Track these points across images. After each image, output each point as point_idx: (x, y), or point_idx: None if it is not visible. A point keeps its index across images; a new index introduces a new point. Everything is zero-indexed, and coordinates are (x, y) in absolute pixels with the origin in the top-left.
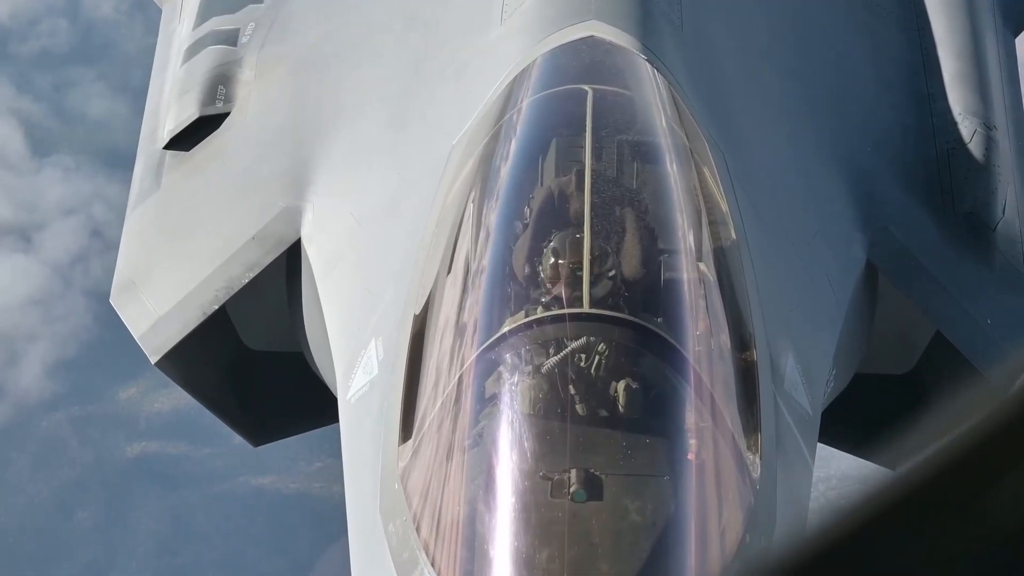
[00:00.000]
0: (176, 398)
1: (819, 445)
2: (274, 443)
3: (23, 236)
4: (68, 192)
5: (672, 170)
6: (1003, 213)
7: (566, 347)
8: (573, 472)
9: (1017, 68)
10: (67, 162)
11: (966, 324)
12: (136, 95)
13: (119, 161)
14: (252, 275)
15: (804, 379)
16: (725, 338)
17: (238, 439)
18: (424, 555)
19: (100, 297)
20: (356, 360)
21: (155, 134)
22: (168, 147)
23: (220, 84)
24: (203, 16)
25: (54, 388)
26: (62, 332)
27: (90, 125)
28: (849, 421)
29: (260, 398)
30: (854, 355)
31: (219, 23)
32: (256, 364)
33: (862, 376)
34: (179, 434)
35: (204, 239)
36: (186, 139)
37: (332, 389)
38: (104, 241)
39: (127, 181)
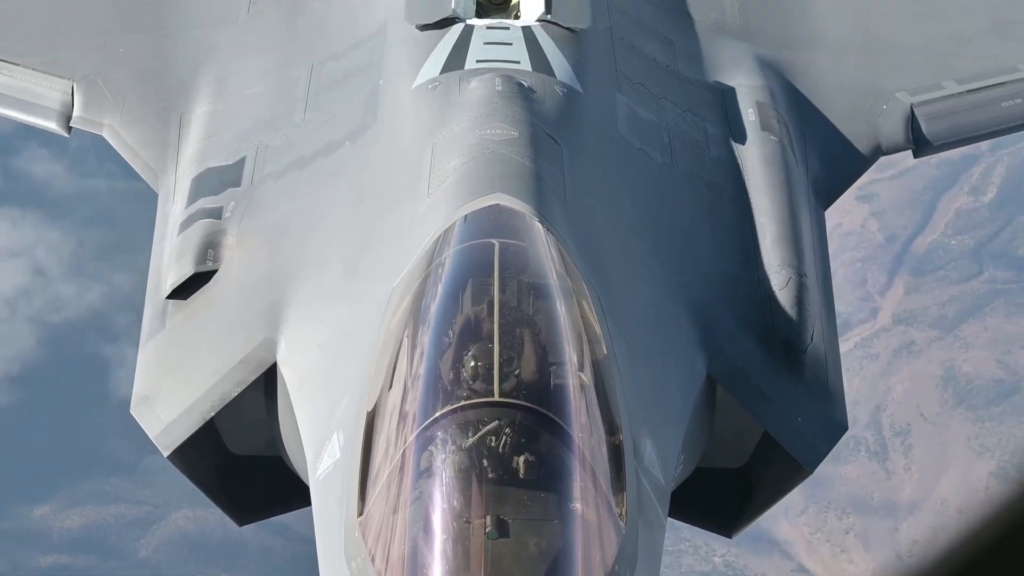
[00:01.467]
0: (86, 516)
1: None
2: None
3: None
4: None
5: (559, 302)
6: (811, 339)
7: (482, 427)
8: (488, 518)
9: (825, 232)
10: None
11: (785, 425)
12: (74, 158)
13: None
14: (240, 390)
15: (659, 460)
16: (599, 424)
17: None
18: None
19: (41, 323)
20: (322, 449)
21: (159, 287)
22: (170, 297)
23: (210, 248)
24: (193, 197)
25: None
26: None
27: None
28: (696, 502)
29: (243, 488)
30: (698, 446)
31: (206, 202)
32: (237, 463)
33: (705, 470)
34: (88, 549)
35: (201, 365)
36: (184, 290)
37: (303, 478)
38: (45, 278)
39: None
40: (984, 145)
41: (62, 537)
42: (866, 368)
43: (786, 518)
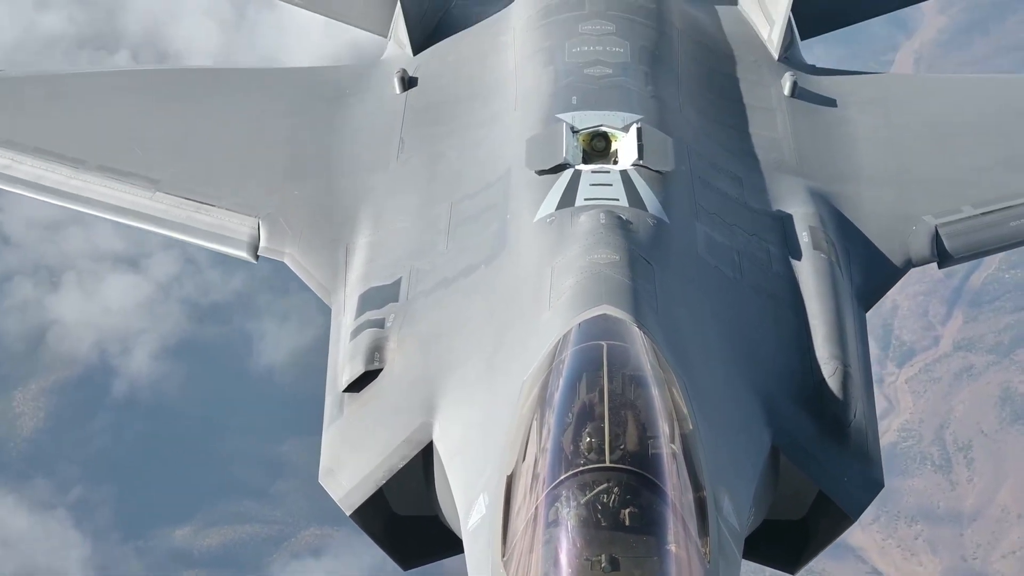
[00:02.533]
0: (223, 535)
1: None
2: None
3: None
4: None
5: (654, 389)
6: (855, 416)
7: (596, 487)
8: (603, 556)
9: (866, 329)
10: None
11: (834, 483)
12: None
13: None
14: (404, 463)
15: (735, 511)
16: (687, 483)
17: None
18: None
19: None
20: (472, 507)
21: (336, 382)
22: (346, 391)
23: (376, 351)
24: (360, 311)
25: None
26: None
27: None
28: (766, 547)
29: (407, 540)
30: (765, 502)
31: (371, 315)
32: (402, 521)
33: (772, 521)
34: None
35: (373, 444)
36: (356, 385)
37: (455, 530)
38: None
39: None
40: None
41: (202, 554)
42: (930, 390)
43: (860, 526)
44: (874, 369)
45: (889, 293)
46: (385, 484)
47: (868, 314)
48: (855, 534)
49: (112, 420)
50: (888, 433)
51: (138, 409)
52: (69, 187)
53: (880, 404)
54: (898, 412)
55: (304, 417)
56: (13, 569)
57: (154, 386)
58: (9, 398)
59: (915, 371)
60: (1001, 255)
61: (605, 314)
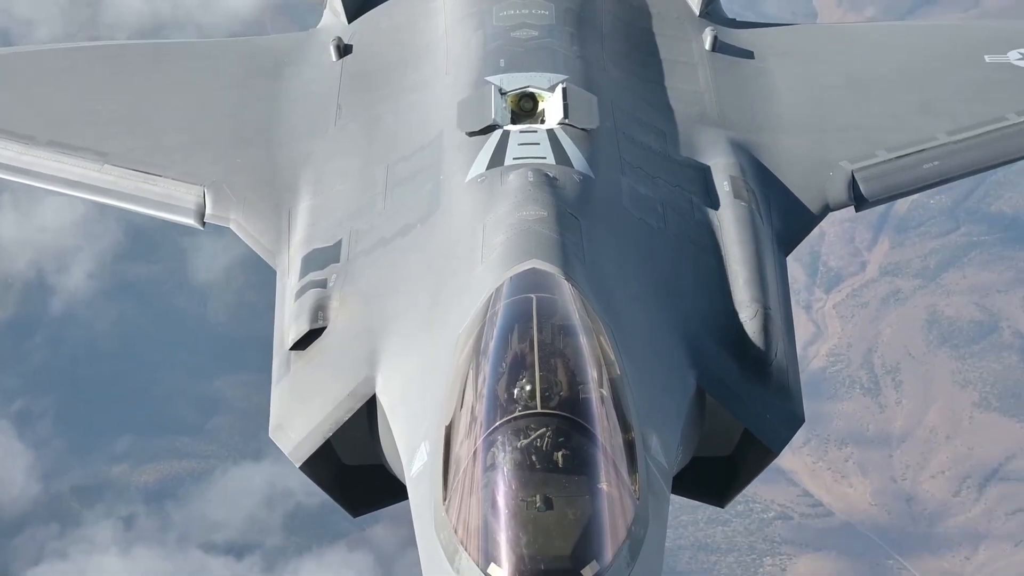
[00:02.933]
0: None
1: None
2: None
3: None
4: None
5: (582, 337)
6: (775, 355)
7: (530, 432)
8: (537, 496)
9: (786, 273)
10: None
11: (757, 420)
12: None
13: None
14: (349, 415)
15: (663, 450)
16: (616, 425)
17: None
18: (461, 546)
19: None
20: (414, 455)
21: (283, 342)
22: (292, 349)
23: (319, 310)
24: (303, 272)
25: None
26: None
27: None
28: (695, 482)
29: (354, 488)
30: (692, 440)
31: (314, 275)
32: (349, 471)
33: (700, 458)
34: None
35: (319, 399)
36: (302, 344)
37: (400, 478)
38: None
39: None
40: None
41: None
42: (858, 315)
43: (790, 450)
44: (802, 295)
45: None
46: (332, 436)
47: None
48: (786, 458)
49: (50, 336)
50: (817, 358)
51: (76, 326)
52: (21, 163)
53: (808, 330)
54: (826, 337)
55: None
56: None
57: (90, 303)
58: None
59: (842, 296)
60: None
61: (534, 268)
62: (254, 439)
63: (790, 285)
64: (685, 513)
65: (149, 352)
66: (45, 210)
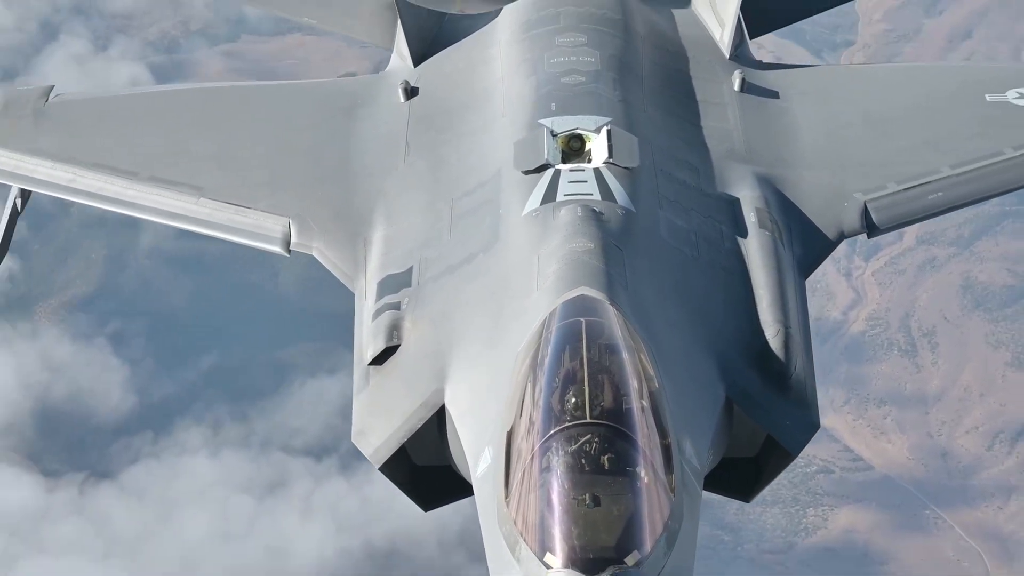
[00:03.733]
0: None
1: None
2: None
3: None
4: None
5: (625, 355)
6: (795, 370)
7: (580, 439)
8: (586, 495)
9: (805, 296)
10: None
11: (778, 427)
12: None
13: None
14: (421, 423)
15: (695, 454)
16: (655, 432)
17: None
18: (521, 538)
19: None
20: (479, 458)
21: (362, 358)
22: (370, 364)
23: (394, 329)
24: (379, 296)
25: None
26: None
27: None
28: (725, 480)
29: (425, 486)
30: (722, 444)
31: (389, 299)
32: (421, 471)
33: (729, 459)
34: None
35: (395, 409)
36: (379, 360)
37: (466, 477)
38: None
39: None
40: None
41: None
42: (895, 282)
43: (832, 408)
44: (842, 263)
45: None
46: (406, 441)
47: None
48: (828, 417)
49: (140, 269)
50: (857, 322)
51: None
52: (126, 196)
53: (849, 295)
54: (866, 303)
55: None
56: (64, 390)
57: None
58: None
59: (881, 264)
60: None
61: (583, 294)
62: (328, 357)
63: (832, 256)
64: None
65: (220, 317)
66: None
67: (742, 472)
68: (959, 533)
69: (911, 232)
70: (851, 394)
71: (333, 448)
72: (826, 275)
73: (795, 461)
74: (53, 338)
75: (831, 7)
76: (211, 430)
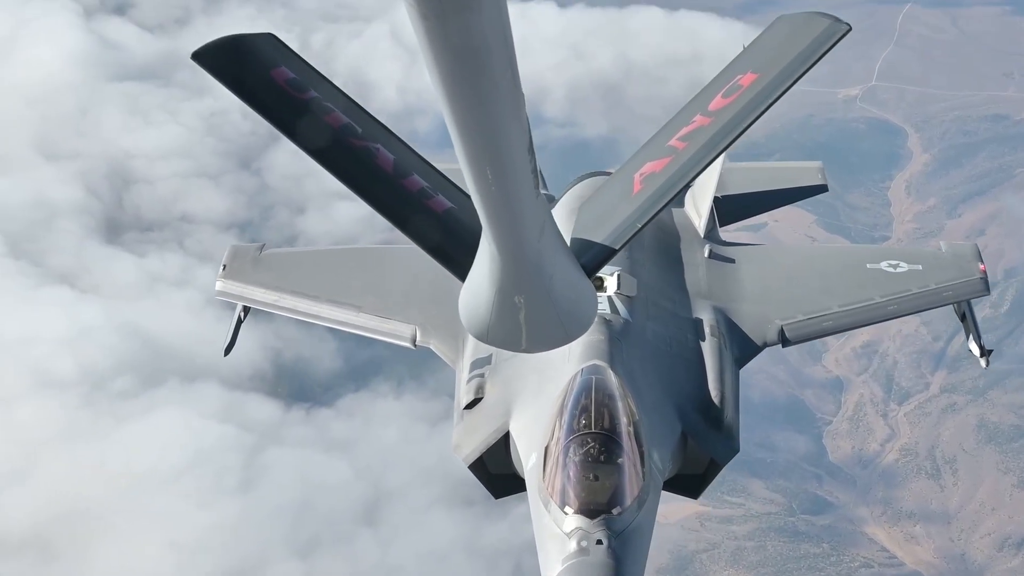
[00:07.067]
0: None
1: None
2: None
3: None
4: None
5: (618, 400)
6: (727, 417)
7: (588, 442)
8: (591, 475)
9: (738, 379)
10: None
11: (715, 449)
12: None
13: None
14: (495, 440)
15: (660, 461)
16: (635, 443)
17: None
18: (551, 499)
19: None
20: (529, 460)
21: (459, 405)
22: (464, 409)
23: (479, 389)
24: (471, 371)
25: None
26: None
27: None
28: (678, 484)
29: (498, 482)
30: (677, 461)
31: (476, 371)
32: (494, 476)
33: (682, 475)
34: None
35: (479, 433)
36: (470, 406)
37: (521, 474)
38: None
39: None
40: (1000, 274)
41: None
42: (923, 421)
43: (872, 519)
44: (879, 408)
45: (889, 352)
46: (484, 453)
47: (875, 367)
48: (870, 527)
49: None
50: (891, 453)
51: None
52: (311, 311)
53: (884, 432)
54: (899, 437)
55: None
56: (293, 354)
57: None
58: None
59: (911, 407)
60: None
61: (595, 364)
62: None
63: (872, 401)
64: (793, 563)
65: None
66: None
67: (691, 482)
68: None
69: (936, 383)
70: (887, 508)
71: None
72: (867, 416)
73: (843, 558)
74: (284, 322)
75: (794, 201)
76: (396, 382)
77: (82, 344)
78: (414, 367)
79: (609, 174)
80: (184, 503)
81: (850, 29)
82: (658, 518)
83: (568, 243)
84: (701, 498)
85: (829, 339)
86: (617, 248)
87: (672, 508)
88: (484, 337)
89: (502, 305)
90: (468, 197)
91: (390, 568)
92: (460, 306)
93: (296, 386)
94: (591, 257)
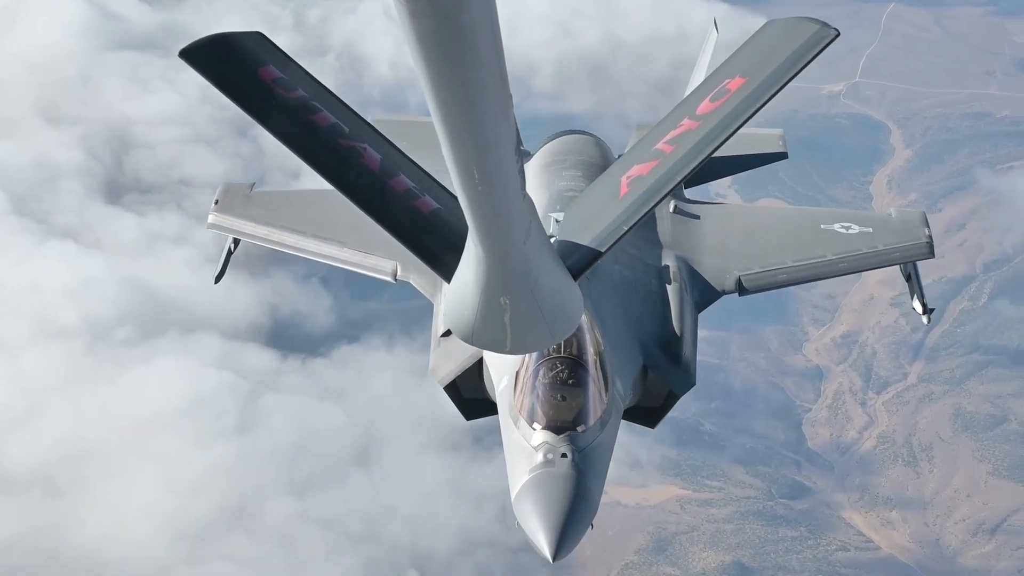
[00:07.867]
0: None
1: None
2: None
3: None
4: None
5: (586, 331)
6: (685, 352)
7: (558, 366)
8: (559, 395)
9: (696, 319)
10: None
11: (673, 381)
12: None
13: None
14: (469, 365)
15: (622, 388)
16: (600, 369)
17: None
18: (520, 416)
19: None
20: (500, 382)
21: (437, 332)
22: (442, 336)
23: None
24: None
25: None
26: None
27: None
28: (637, 413)
29: (470, 404)
30: (638, 391)
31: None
32: (464, 399)
33: (640, 406)
34: None
35: (454, 358)
36: (447, 334)
37: (493, 398)
38: None
39: None
40: (979, 267)
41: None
42: (901, 410)
43: (849, 504)
44: (858, 396)
45: (869, 342)
46: (458, 377)
47: (854, 356)
48: (847, 512)
49: None
50: (870, 440)
51: None
52: (298, 245)
53: (862, 420)
54: (877, 425)
55: None
56: (289, 310)
57: None
58: None
59: (889, 396)
60: (953, 316)
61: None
62: None
63: (851, 390)
64: (771, 545)
65: None
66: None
67: (650, 414)
68: None
69: (914, 373)
70: (864, 494)
71: None
72: (846, 404)
73: (820, 541)
74: (281, 279)
75: (754, 167)
76: (387, 337)
77: (85, 295)
78: (405, 324)
79: (583, 133)
80: (184, 444)
81: (838, 35)
82: (639, 500)
83: (554, 245)
84: (682, 482)
85: (810, 329)
86: (603, 251)
87: (653, 491)
88: (469, 338)
89: (487, 306)
90: (455, 198)
91: (382, 507)
92: (445, 306)
93: (291, 340)
94: (577, 259)
